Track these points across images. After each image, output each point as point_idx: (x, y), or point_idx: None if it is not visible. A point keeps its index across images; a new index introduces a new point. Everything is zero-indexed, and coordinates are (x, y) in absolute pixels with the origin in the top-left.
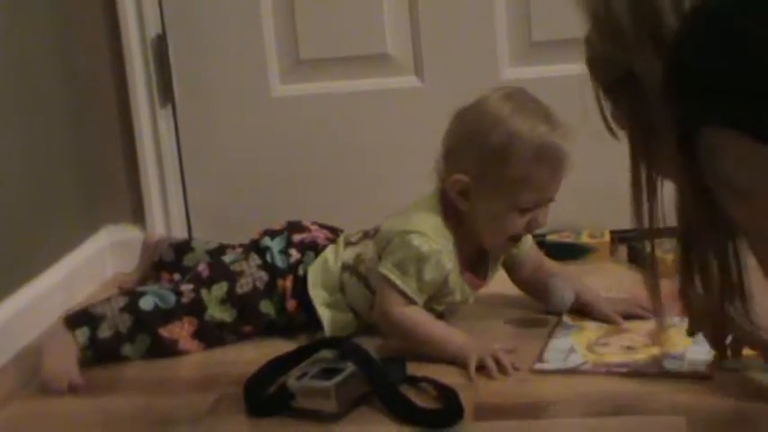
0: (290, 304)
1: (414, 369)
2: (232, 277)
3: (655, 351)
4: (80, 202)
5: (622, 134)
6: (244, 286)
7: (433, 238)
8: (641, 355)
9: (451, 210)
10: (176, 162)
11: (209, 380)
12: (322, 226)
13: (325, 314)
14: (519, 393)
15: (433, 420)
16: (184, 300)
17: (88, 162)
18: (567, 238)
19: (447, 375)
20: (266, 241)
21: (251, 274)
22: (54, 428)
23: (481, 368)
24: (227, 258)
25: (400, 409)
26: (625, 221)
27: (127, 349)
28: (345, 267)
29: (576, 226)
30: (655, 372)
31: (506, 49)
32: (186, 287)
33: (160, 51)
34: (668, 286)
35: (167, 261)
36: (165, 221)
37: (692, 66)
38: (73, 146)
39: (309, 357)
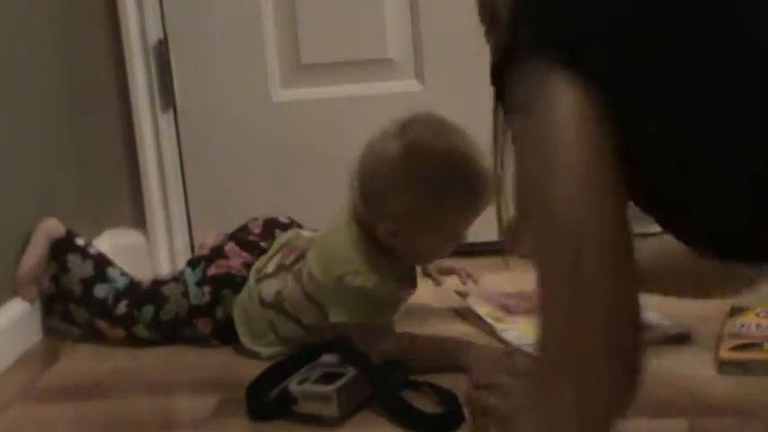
0: (213, 343)
1: (415, 374)
2: (159, 302)
3: None
4: (82, 206)
5: None
6: (168, 313)
7: (367, 272)
8: None
9: (363, 226)
10: (178, 166)
11: (210, 384)
12: (283, 225)
13: (266, 353)
14: None
15: (435, 425)
16: (118, 312)
17: (90, 166)
18: None
19: (448, 380)
20: (187, 272)
21: (176, 301)
22: (57, 431)
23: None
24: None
25: (401, 414)
26: None
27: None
28: (267, 305)
29: None
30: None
31: None
32: (122, 302)
33: (162, 56)
34: None
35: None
36: (166, 225)
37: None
38: (74, 150)
39: (311, 362)
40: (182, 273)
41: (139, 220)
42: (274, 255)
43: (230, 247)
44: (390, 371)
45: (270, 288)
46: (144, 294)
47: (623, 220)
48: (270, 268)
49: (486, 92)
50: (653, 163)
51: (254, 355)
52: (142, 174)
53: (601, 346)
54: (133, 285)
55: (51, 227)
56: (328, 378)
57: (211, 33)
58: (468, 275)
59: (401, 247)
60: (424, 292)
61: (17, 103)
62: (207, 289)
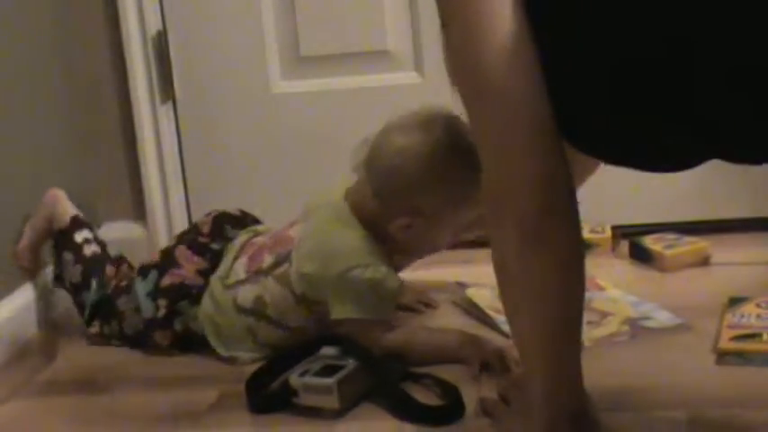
0: (178, 348)
1: (416, 366)
2: (119, 318)
3: (615, 322)
4: (81, 198)
5: None
6: (130, 327)
7: (375, 264)
8: (612, 326)
9: (368, 221)
10: (177, 158)
11: (210, 376)
12: (235, 220)
13: (245, 358)
14: None
15: (435, 417)
16: (92, 330)
17: (89, 159)
18: None
19: (449, 372)
20: (137, 283)
21: (130, 316)
22: (56, 425)
23: (483, 366)
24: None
25: (402, 406)
26: (626, 217)
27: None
28: (244, 312)
29: None
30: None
31: None
32: (95, 319)
33: (161, 48)
34: (671, 280)
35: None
36: (166, 218)
37: None
38: (73, 143)
39: (311, 354)
40: (130, 283)
41: (139, 213)
42: (236, 258)
43: (181, 252)
44: (391, 363)
45: (246, 294)
46: (108, 310)
47: (544, 92)
48: (241, 273)
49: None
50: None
51: None
52: (141, 166)
53: (531, 180)
54: (102, 301)
55: (59, 211)
56: (329, 370)
57: (210, 25)
58: (428, 305)
59: (408, 241)
60: (426, 283)
61: (15, 94)
62: (162, 302)
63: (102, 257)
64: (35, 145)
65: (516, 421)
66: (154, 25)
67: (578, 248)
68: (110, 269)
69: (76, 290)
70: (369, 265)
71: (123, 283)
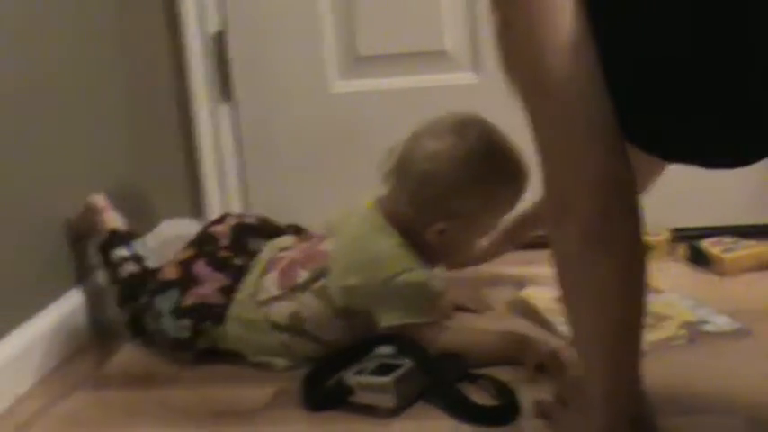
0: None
1: (472, 367)
2: (150, 336)
3: (672, 326)
4: (140, 196)
5: None
6: (158, 343)
7: (415, 267)
8: (669, 330)
9: (403, 229)
10: (235, 157)
11: (266, 374)
12: (253, 229)
13: (281, 364)
14: None
15: (491, 417)
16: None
17: (148, 157)
18: None
19: (504, 373)
20: (158, 302)
21: (158, 335)
22: (114, 418)
23: (539, 367)
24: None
25: (458, 406)
26: (685, 219)
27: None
28: (278, 327)
29: None
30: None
31: None
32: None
33: (220, 47)
34: (729, 284)
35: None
36: None
37: None
38: (133, 141)
39: (368, 353)
40: (152, 299)
41: (197, 211)
42: (263, 274)
43: (201, 269)
44: (447, 363)
45: (282, 310)
46: (141, 328)
47: (605, 92)
48: (273, 290)
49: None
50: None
51: None
52: (200, 164)
53: (594, 183)
54: (133, 320)
55: (98, 223)
56: (385, 369)
57: (270, 25)
58: (485, 306)
59: (442, 246)
60: (480, 284)
61: (77, 94)
62: (186, 323)
63: (140, 275)
64: (96, 143)
65: (573, 423)
66: (213, 25)
67: (640, 250)
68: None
69: (117, 303)
70: (412, 269)
71: (143, 300)
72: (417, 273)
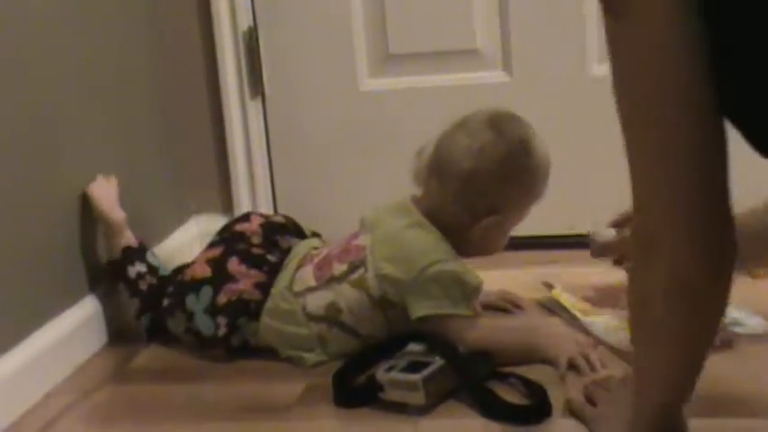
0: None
1: (502, 365)
2: (173, 337)
3: None
4: (170, 191)
5: None
6: (186, 343)
7: (452, 259)
8: None
9: (446, 227)
10: (265, 153)
11: (297, 369)
12: (281, 228)
13: (312, 360)
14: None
15: (522, 416)
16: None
17: (179, 152)
18: None
19: (535, 372)
20: (191, 302)
21: (183, 338)
22: (145, 413)
23: (571, 366)
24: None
25: (488, 405)
26: None
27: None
28: (316, 319)
29: None
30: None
31: (596, 45)
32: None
33: (251, 44)
34: (762, 286)
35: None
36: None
37: None
38: (164, 136)
39: (398, 350)
40: (180, 300)
41: (227, 207)
42: (298, 268)
43: (234, 267)
44: (477, 361)
45: (318, 301)
46: (161, 332)
47: (714, 123)
48: (309, 281)
49: (573, 84)
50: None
51: None
52: (230, 160)
53: (693, 228)
54: (153, 326)
55: (112, 239)
56: (415, 367)
57: (300, 22)
58: (514, 305)
59: (482, 241)
60: (510, 283)
61: (108, 87)
62: (222, 320)
63: (158, 287)
64: (125, 138)
65: (605, 424)
66: (245, 21)
67: (726, 303)
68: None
69: (135, 313)
70: (449, 259)
71: (165, 303)
72: (453, 264)
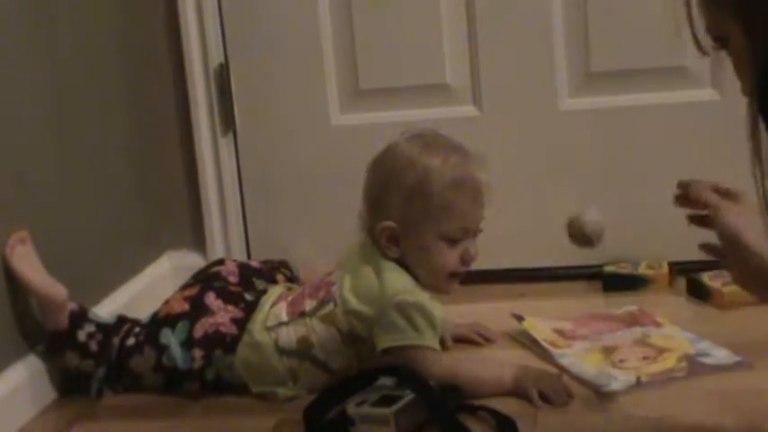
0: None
1: (471, 398)
2: (136, 379)
3: (672, 358)
4: (142, 227)
5: None
6: (148, 386)
7: (414, 290)
8: (669, 362)
9: (396, 259)
10: (237, 189)
11: (267, 406)
12: (258, 272)
13: (284, 394)
14: (583, 421)
15: None
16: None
17: (151, 189)
18: (624, 269)
19: (505, 404)
20: (165, 336)
21: (150, 376)
22: None
23: (542, 397)
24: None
25: None
26: (684, 252)
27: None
28: (285, 353)
29: (634, 257)
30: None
31: (565, 80)
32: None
33: (222, 80)
34: (729, 318)
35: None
36: (225, 248)
37: None
38: (136, 173)
39: (368, 384)
40: (147, 337)
41: (199, 243)
42: (273, 305)
43: (211, 301)
44: (448, 394)
45: (290, 335)
46: (120, 375)
47: None
48: (282, 316)
49: (543, 118)
50: None
51: None
52: (202, 196)
53: None
54: (110, 372)
55: (55, 315)
56: (386, 401)
57: (271, 58)
58: (484, 338)
59: (404, 259)
60: (479, 315)
61: (78, 124)
62: (198, 353)
63: (107, 341)
64: (98, 177)
65: (742, 222)
66: (216, 58)
67: None
68: (115, 340)
69: (85, 375)
70: (413, 291)
71: (130, 342)
72: (416, 294)
